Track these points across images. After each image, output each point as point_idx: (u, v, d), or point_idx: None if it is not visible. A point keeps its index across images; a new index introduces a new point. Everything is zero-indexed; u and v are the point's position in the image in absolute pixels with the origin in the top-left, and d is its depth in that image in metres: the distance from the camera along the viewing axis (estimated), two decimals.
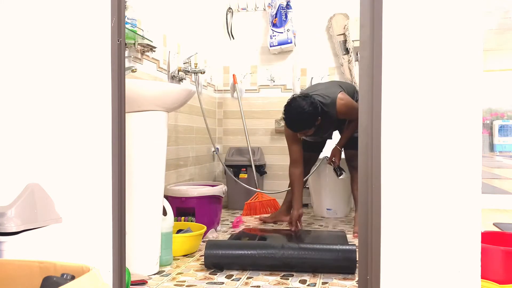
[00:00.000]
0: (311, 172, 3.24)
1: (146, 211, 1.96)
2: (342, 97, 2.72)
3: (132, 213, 1.88)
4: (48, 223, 1.37)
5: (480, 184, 1.18)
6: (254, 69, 3.93)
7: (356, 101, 2.80)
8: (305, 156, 2.95)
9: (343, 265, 1.98)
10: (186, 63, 3.07)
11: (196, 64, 3.12)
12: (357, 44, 3.66)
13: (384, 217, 1.23)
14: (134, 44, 2.35)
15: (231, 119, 3.97)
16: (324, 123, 2.72)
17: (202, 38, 3.53)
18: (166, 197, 2.28)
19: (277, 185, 3.78)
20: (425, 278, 1.21)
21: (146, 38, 2.39)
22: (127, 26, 2.17)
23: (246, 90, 3.91)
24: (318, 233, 2.73)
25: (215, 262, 2.03)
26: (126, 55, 2.23)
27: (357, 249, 1.65)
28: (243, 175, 3.62)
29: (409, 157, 1.22)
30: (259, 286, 1.82)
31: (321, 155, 3.23)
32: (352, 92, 2.87)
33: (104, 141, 1.40)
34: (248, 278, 1.92)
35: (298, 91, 3.94)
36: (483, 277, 1.47)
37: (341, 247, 2.03)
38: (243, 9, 3.92)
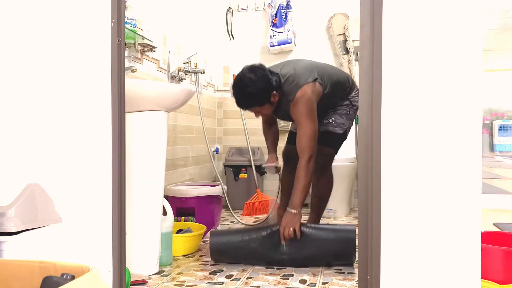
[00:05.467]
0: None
1: (146, 211, 1.95)
2: (307, 91, 2.21)
3: (132, 213, 1.88)
4: (48, 223, 1.37)
5: (480, 184, 1.18)
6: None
7: (347, 91, 2.45)
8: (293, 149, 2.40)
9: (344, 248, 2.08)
10: (186, 63, 3.07)
11: (196, 64, 3.12)
12: (357, 44, 3.66)
13: (384, 217, 1.23)
14: (134, 44, 2.35)
15: (231, 119, 3.96)
16: (283, 105, 2.29)
17: (202, 38, 3.53)
18: (166, 197, 2.28)
19: (277, 185, 3.77)
20: (425, 278, 1.21)
21: (146, 38, 2.39)
22: (127, 26, 2.17)
23: None
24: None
25: (220, 249, 2.09)
26: (126, 55, 2.23)
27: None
28: (243, 175, 3.62)
29: (409, 157, 1.22)
30: (259, 286, 1.82)
31: None
32: (339, 82, 2.41)
33: (104, 141, 1.40)
34: (248, 278, 1.92)
35: None
36: (483, 277, 1.47)
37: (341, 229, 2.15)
38: (243, 9, 3.92)
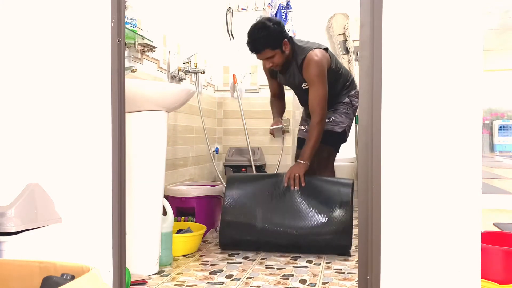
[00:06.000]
0: None
1: (146, 211, 1.95)
2: (318, 53, 2.39)
3: (132, 213, 1.88)
4: (48, 223, 1.37)
5: (480, 184, 1.18)
6: (254, 69, 3.92)
7: (347, 84, 2.62)
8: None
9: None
10: (186, 63, 3.07)
11: (196, 64, 3.12)
12: (357, 44, 3.66)
13: (384, 217, 1.23)
14: (134, 44, 2.35)
15: (231, 119, 3.96)
16: (292, 66, 2.48)
17: (202, 38, 3.53)
18: (166, 197, 2.28)
19: None
20: (425, 278, 1.21)
21: (146, 38, 2.39)
22: (127, 26, 2.17)
23: (246, 90, 3.91)
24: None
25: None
26: (126, 55, 2.23)
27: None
28: None
29: (409, 157, 1.22)
30: (259, 286, 1.82)
31: None
32: (341, 71, 2.59)
33: (104, 141, 1.40)
34: (248, 278, 1.93)
35: None
36: (483, 277, 1.47)
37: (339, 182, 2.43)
38: (243, 9, 3.92)
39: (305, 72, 2.42)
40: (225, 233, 2.37)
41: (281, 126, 2.70)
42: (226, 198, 2.42)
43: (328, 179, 2.48)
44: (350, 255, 2.27)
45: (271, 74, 2.69)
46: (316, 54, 2.39)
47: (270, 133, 2.75)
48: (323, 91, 2.41)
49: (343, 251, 2.28)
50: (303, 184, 2.36)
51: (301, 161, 2.41)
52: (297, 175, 2.37)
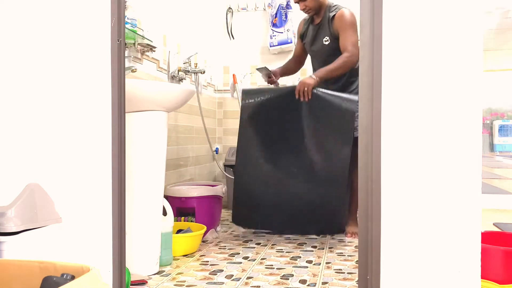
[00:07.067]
0: None
1: (146, 211, 1.96)
2: (348, 12, 2.63)
3: (132, 213, 1.88)
4: (48, 223, 1.37)
5: (480, 184, 1.18)
6: (254, 69, 3.92)
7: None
8: None
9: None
10: (186, 63, 3.07)
11: (196, 64, 3.12)
12: None
13: (384, 217, 1.23)
14: (134, 44, 2.35)
15: (231, 119, 3.96)
16: (324, 18, 2.70)
17: (202, 38, 3.53)
18: (166, 197, 2.28)
19: None
20: (425, 278, 1.21)
21: (146, 38, 2.39)
22: (127, 26, 2.17)
23: None
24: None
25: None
26: (126, 55, 2.23)
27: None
28: None
29: (409, 157, 1.22)
30: (259, 286, 1.82)
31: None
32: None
33: (104, 141, 1.40)
34: (248, 278, 1.93)
35: None
36: (483, 277, 1.47)
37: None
38: (243, 9, 3.92)
39: (337, 21, 2.61)
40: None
41: (265, 67, 2.83)
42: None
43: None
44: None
45: (301, 35, 2.90)
46: (349, 11, 2.62)
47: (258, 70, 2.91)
48: (356, 38, 2.56)
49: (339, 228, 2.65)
50: (310, 96, 2.55)
51: (313, 76, 2.58)
52: (306, 89, 2.54)
